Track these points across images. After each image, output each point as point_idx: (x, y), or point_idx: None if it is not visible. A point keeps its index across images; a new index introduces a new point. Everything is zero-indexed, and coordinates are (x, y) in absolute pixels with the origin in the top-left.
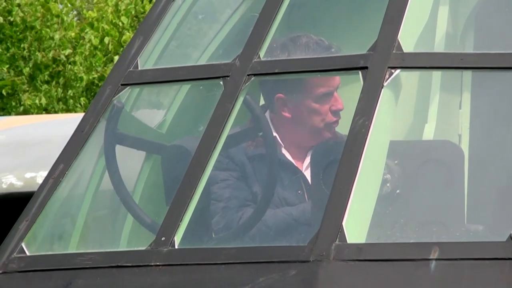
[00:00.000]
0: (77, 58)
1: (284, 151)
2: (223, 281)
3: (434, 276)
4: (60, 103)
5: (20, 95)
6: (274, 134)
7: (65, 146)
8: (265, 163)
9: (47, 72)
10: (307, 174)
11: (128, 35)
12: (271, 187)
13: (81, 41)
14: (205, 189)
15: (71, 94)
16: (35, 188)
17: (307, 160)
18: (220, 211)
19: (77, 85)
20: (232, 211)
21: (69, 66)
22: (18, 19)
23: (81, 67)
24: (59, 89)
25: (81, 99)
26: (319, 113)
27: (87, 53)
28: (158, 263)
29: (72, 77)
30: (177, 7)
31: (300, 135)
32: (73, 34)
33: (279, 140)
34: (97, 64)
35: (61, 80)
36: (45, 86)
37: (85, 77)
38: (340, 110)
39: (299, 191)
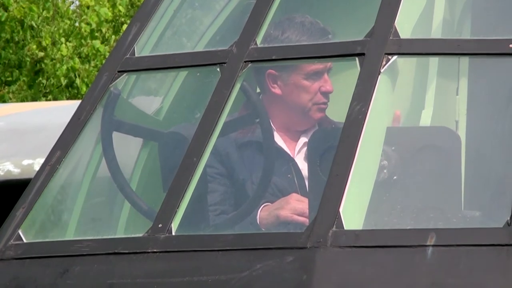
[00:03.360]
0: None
1: (276, 135)
2: (220, 268)
3: (430, 263)
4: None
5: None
6: None
7: (62, 133)
8: (261, 149)
9: (25, 72)
10: (299, 158)
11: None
12: (268, 174)
13: (76, 29)
14: (202, 176)
15: (56, 84)
16: (32, 175)
17: (299, 144)
18: (215, 202)
19: (57, 76)
20: (226, 204)
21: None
22: (16, 11)
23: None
24: (41, 83)
25: (65, 90)
26: (307, 91)
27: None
28: (155, 250)
29: (55, 67)
30: None
31: (289, 116)
32: (68, 22)
33: (271, 124)
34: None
35: (44, 78)
36: (30, 91)
37: (65, 67)
38: (329, 92)
39: (289, 175)
